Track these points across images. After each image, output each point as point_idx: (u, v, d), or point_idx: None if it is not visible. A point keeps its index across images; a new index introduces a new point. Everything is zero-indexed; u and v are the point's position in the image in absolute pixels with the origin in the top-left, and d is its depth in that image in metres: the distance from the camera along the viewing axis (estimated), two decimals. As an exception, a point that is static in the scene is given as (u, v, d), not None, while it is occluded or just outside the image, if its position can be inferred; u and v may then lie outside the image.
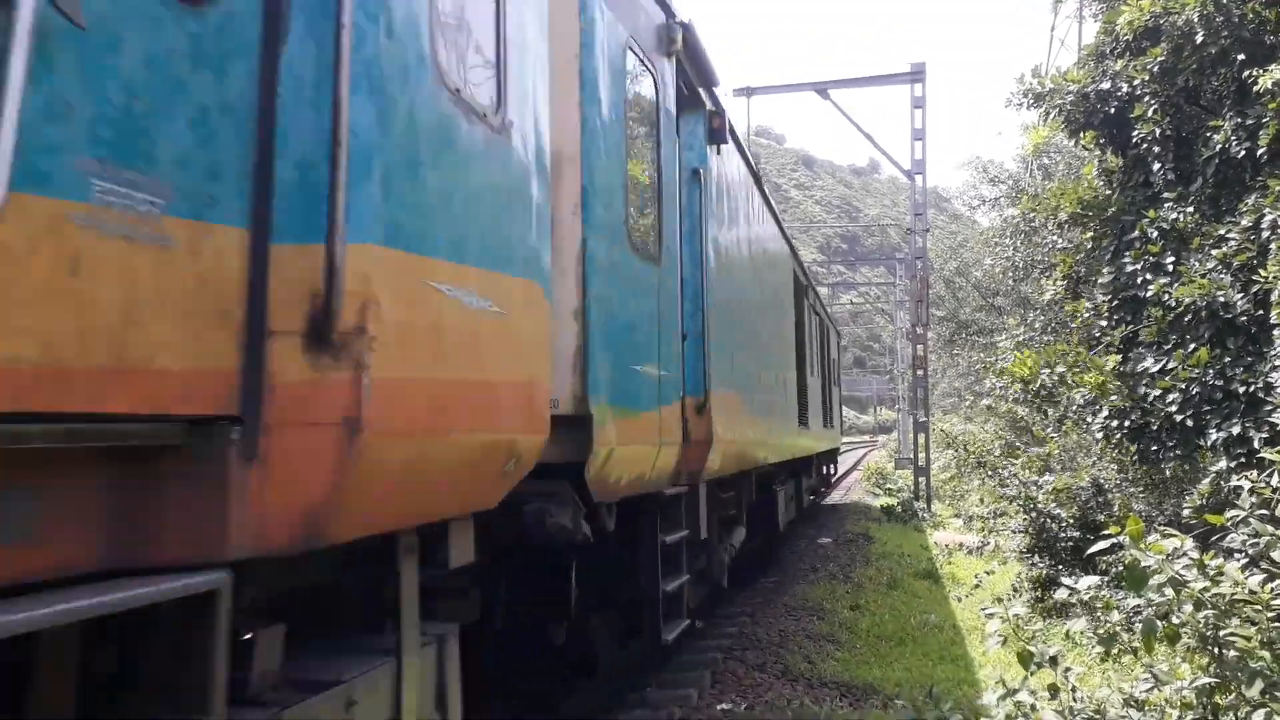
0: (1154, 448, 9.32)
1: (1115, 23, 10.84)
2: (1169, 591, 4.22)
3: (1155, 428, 9.28)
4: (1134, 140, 10.46)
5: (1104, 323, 10.33)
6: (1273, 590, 4.20)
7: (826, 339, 19.40)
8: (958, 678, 7.65)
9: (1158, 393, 9.16)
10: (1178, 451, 9.06)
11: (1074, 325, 11.36)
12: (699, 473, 6.51)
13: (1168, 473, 9.18)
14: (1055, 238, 11.98)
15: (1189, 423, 8.95)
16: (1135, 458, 9.66)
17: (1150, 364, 9.36)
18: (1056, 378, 9.92)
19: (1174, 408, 9.02)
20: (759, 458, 9.25)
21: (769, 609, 10.18)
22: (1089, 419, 10.05)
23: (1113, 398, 9.50)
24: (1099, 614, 5.35)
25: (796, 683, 7.52)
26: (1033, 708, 4.42)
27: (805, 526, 18.33)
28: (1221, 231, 9.18)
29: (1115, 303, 10.21)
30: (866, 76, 22.96)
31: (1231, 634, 4.18)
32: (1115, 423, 9.59)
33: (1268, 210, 8.60)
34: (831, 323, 21.73)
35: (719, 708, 6.71)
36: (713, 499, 7.65)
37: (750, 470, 9.27)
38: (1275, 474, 4.90)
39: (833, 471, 25.15)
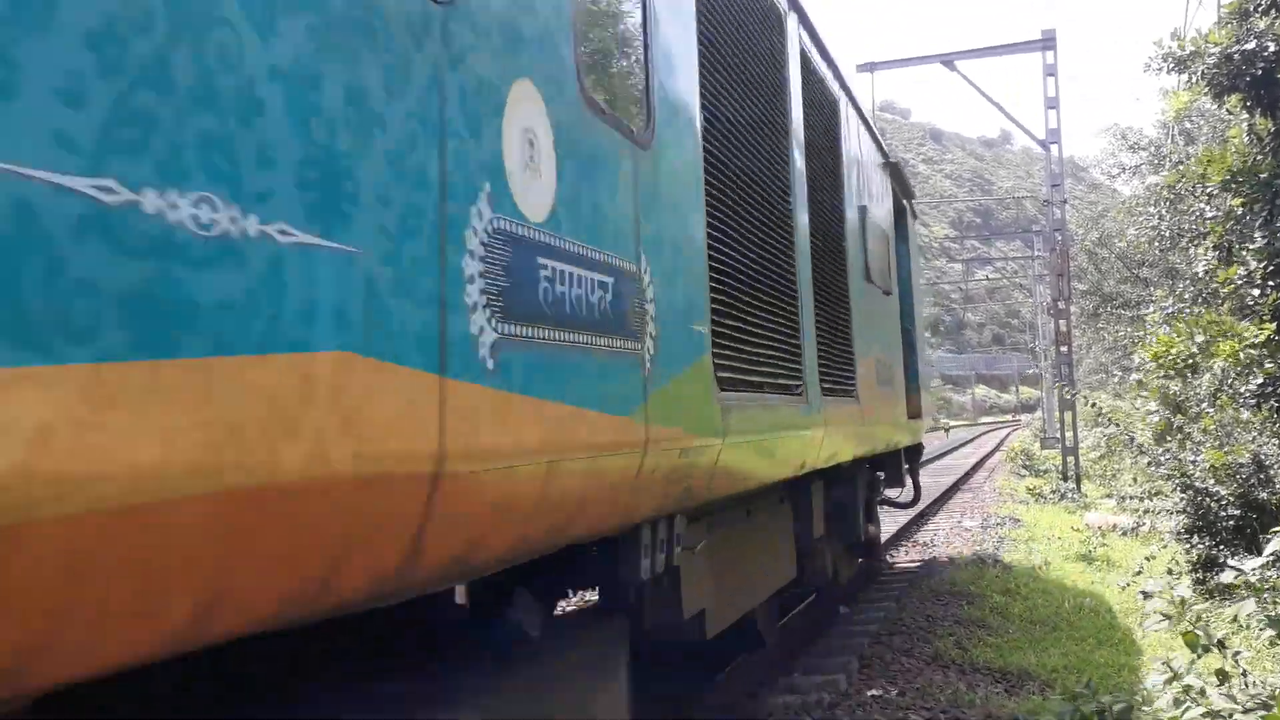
0: None
1: (1259, -22, 10.38)
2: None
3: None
4: (1284, 101, 10.00)
5: (1256, 291, 9.92)
6: None
7: (866, 214, 7.74)
8: (1117, 662, 7.50)
9: None
10: None
11: (1224, 292, 10.93)
12: None
13: None
14: (1203, 205, 11.50)
15: None
16: None
17: None
18: (1197, 347, 9.60)
19: (1336, 375, 8.67)
20: None
21: (914, 593, 10.13)
22: (1240, 388, 9.71)
23: (1267, 365, 9.15)
24: (1267, 595, 5.18)
25: (948, 669, 7.49)
26: (1201, 692, 4.30)
27: (948, 506, 18.06)
28: (1387, 192, 8.73)
29: (1270, 269, 9.79)
30: (994, 46, 22.24)
31: None
32: (1271, 388, 9.23)
33: None
34: (899, 181, 10.23)
35: (869, 694, 6.75)
36: None
37: None
38: None
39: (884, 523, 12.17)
